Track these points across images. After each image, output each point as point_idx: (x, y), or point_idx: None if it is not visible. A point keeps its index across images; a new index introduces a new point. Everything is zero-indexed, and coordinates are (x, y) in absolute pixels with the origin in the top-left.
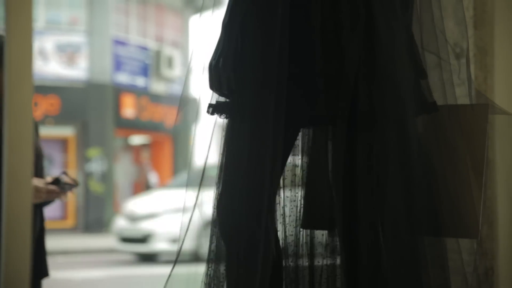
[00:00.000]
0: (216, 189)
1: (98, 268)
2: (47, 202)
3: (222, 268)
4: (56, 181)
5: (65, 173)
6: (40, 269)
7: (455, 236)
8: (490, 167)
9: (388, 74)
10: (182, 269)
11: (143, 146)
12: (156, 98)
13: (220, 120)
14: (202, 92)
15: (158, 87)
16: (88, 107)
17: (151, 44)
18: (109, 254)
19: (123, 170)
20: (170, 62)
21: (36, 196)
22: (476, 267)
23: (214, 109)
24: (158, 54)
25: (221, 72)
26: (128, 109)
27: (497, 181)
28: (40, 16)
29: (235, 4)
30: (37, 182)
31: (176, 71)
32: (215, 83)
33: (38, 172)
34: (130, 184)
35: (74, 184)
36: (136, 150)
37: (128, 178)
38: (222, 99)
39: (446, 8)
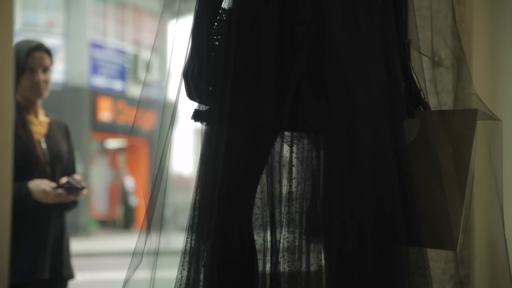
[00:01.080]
0: (195, 194)
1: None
2: (68, 206)
3: (192, 274)
4: (65, 185)
5: (73, 177)
6: (61, 271)
7: (432, 247)
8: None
9: (339, 82)
10: (141, 274)
11: (120, 150)
12: (133, 102)
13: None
14: (178, 97)
15: (135, 91)
16: (64, 110)
17: (129, 48)
18: (85, 258)
19: (99, 174)
20: (147, 66)
21: (45, 198)
22: (453, 275)
23: (196, 116)
24: (135, 57)
25: (189, 80)
26: (105, 113)
27: (473, 189)
28: (17, 17)
29: (201, 12)
30: (45, 185)
31: (154, 75)
32: (187, 91)
33: (70, 172)
34: (106, 188)
35: (80, 188)
36: (113, 154)
37: (104, 182)
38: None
39: (425, 17)
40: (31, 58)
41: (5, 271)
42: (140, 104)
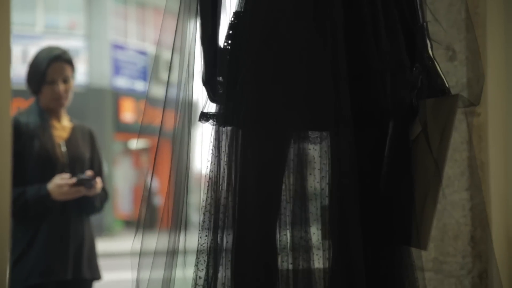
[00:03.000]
0: (214, 193)
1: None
2: (86, 207)
3: (210, 273)
4: (79, 180)
5: (84, 172)
6: (83, 272)
7: (404, 244)
8: (482, 169)
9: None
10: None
11: (143, 150)
12: (155, 102)
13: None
14: (200, 96)
15: (157, 91)
16: (87, 111)
17: (150, 48)
18: (110, 258)
19: (123, 175)
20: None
21: (60, 193)
22: (471, 269)
23: (203, 116)
24: (157, 58)
25: (203, 84)
26: (127, 113)
27: (490, 183)
28: (39, 20)
29: (202, 18)
30: (59, 180)
31: (175, 75)
32: (207, 94)
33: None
34: (130, 188)
35: (90, 179)
36: (136, 154)
37: (127, 182)
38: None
39: (438, 11)
40: (51, 69)
41: (5, 276)
42: (149, 102)
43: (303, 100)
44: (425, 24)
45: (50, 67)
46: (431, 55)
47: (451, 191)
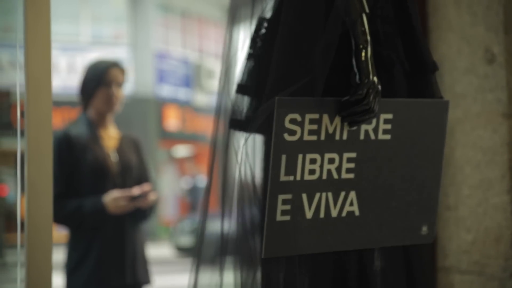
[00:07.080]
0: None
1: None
2: (138, 216)
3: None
4: (135, 197)
5: (132, 177)
6: (137, 277)
7: None
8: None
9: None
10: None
11: (187, 157)
12: (198, 110)
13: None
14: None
15: (200, 98)
16: (132, 119)
17: (193, 56)
18: (155, 264)
19: (168, 182)
20: (211, 74)
21: (117, 207)
22: None
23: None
24: (199, 66)
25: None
26: (172, 121)
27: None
28: (85, 31)
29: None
30: (116, 193)
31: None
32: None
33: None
34: (174, 196)
35: (147, 192)
36: (180, 161)
37: (172, 190)
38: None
39: (476, 13)
40: (107, 74)
41: (49, 278)
42: (193, 109)
43: None
44: (362, 15)
45: (107, 72)
46: (367, 53)
47: (492, 194)
